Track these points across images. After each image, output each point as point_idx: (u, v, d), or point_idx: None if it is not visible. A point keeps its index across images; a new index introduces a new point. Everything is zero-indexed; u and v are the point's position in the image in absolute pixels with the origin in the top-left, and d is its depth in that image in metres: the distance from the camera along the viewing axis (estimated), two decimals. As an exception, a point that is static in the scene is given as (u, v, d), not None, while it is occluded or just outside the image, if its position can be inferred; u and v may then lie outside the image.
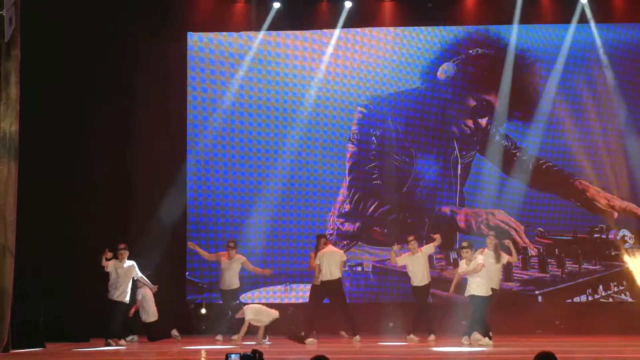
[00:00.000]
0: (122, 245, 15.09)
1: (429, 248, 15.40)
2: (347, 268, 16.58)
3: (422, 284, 15.19)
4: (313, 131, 17.91)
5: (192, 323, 17.27)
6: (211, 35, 18.06)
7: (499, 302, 14.97)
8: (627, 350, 12.97)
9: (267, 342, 14.75)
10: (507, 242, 14.99)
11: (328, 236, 16.58)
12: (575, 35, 17.57)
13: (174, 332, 15.51)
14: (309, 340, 14.78)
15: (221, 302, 16.05)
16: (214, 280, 17.17)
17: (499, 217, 17.45)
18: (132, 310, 15.56)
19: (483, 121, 17.77)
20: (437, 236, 15.29)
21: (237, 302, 15.74)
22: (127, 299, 15.10)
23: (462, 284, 14.58)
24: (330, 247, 15.34)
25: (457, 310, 15.33)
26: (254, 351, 6.88)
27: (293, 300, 17.40)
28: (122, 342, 14.95)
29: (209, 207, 17.82)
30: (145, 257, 15.83)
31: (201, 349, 13.83)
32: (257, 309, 14.94)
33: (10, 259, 12.42)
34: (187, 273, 17.61)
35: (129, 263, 15.09)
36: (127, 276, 15.02)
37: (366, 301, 17.29)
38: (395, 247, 15.35)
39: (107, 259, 14.88)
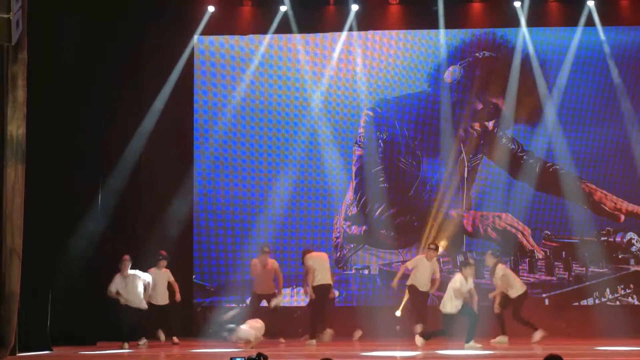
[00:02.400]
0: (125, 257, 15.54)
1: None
2: (354, 271, 16.58)
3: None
4: (320, 134, 17.91)
5: (200, 326, 17.25)
6: (218, 38, 18.07)
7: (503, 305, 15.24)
8: (635, 353, 12.94)
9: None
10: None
11: (335, 239, 16.65)
12: (582, 38, 17.54)
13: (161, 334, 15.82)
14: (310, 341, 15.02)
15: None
16: (221, 284, 17.26)
17: (506, 220, 17.43)
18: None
19: (490, 124, 17.76)
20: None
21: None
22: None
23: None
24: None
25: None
26: (259, 354, 6.88)
27: (293, 304, 17.36)
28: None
29: (216, 210, 17.82)
30: (153, 261, 15.88)
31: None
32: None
33: (18, 262, 12.44)
34: (194, 276, 17.62)
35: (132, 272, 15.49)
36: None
37: (373, 304, 17.26)
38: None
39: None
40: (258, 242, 17.34)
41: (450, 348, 14.08)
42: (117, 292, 15.24)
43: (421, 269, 15.50)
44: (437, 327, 14.70)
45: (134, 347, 15.08)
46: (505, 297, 15.16)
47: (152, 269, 15.78)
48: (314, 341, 15.05)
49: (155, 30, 17.52)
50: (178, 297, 15.83)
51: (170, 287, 15.84)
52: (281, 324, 15.95)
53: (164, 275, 15.78)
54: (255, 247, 17.21)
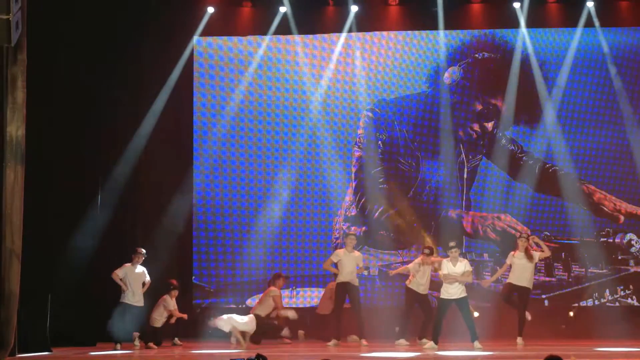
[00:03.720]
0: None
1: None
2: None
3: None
4: (319, 135, 17.92)
5: (199, 328, 17.24)
6: (218, 39, 18.08)
7: (504, 307, 15.16)
8: (634, 354, 12.93)
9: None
10: (536, 239, 15.48)
11: (334, 240, 16.59)
12: (582, 39, 17.56)
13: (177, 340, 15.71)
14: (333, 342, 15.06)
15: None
16: (221, 285, 17.26)
17: (506, 221, 17.43)
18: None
19: (489, 125, 17.77)
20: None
21: None
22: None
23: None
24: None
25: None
26: (258, 355, 6.88)
27: (298, 305, 17.38)
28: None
29: (215, 211, 17.83)
30: (152, 262, 15.86)
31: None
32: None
33: (17, 263, 12.41)
34: (193, 278, 17.61)
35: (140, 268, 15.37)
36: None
37: (372, 305, 17.26)
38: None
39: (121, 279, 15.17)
40: (256, 243, 17.37)
41: (449, 349, 14.08)
42: (122, 280, 15.20)
43: (421, 272, 15.40)
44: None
45: (129, 347, 15.06)
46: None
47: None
48: (333, 342, 15.05)
49: (155, 31, 17.53)
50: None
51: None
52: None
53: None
54: (253, 247, 17.25)
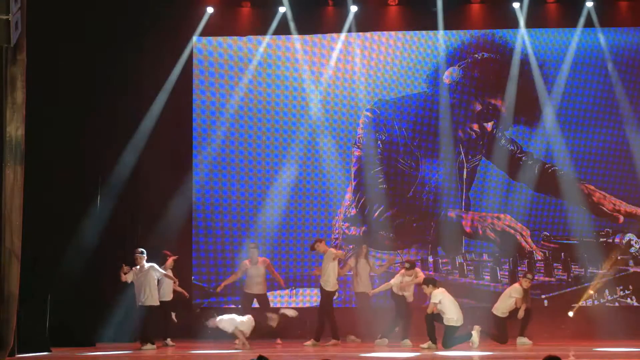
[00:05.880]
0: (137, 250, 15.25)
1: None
2: (350, 272, 16.52)
3: None
4: (319, 135, 17.92)
5: (199, 327, 17.23)
6: (217, 39, 18.07)
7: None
8: (633, 354, 12.95)
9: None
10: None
11: (334, 240, 16.58)
12: (582, 39, 17.56)
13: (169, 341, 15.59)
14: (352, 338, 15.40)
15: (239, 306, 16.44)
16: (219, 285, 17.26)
17: (505, 222, 17.44)
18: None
19: (489, 125, 17.77)
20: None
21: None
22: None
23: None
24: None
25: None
26: (260, 357, 6.87)
27: (298, 305, 17.38)
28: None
29: (215, 211, 17.83)
30: (152, 262, 15.84)
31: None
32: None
33: (16, 263, 12.42)
34: (193, 277, 17.61)
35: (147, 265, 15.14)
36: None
37: (373, 305, 17.22)
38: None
39: (125, 273, 15.02)
40: (257, 243, 17.35)
41: (448, 349, 14.10)
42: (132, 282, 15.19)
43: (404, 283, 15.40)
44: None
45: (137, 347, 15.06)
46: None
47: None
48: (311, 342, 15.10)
49: (154, 31, 17.53)
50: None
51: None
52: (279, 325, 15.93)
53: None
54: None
